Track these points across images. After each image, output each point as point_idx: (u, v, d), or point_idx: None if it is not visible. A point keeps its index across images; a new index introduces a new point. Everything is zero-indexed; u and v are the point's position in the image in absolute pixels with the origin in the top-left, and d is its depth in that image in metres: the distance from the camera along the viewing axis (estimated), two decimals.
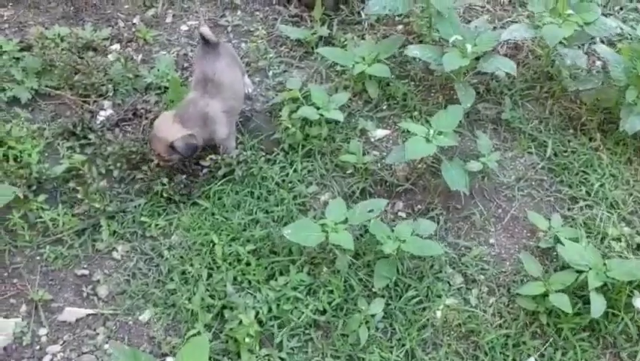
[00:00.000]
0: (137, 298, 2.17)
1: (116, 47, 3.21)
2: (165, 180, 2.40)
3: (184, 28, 3.27)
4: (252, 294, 2.12)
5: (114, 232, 2.35)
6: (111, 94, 2.89)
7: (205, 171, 2.47)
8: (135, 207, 2.41)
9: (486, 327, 2.01)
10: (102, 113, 2.81)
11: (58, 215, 2.33)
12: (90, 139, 2.60)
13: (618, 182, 2.36)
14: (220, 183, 2.45)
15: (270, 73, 2.98)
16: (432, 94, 2.80)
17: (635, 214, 2.26)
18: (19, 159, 2.43)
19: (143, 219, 2.37)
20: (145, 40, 3.21)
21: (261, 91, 2.92)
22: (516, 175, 2.47)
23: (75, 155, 2.51)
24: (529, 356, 1.90)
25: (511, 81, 2.73)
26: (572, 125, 2.57)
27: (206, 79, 2.43)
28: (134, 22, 3.33)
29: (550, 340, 1.96)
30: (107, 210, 2.36)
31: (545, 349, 1.94)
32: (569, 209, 2.31)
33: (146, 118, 2.78)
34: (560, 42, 2.37)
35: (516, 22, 2.89)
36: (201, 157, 2.47)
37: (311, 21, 3.18)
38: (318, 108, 2.56)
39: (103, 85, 2.86)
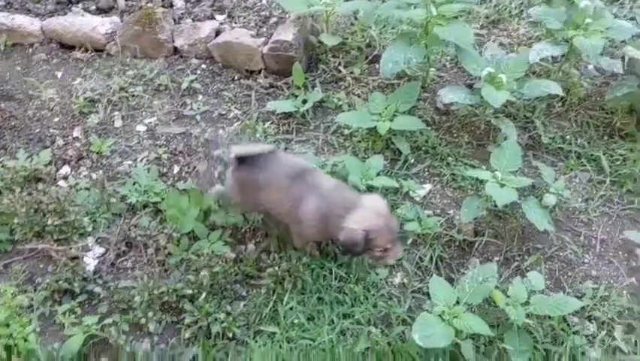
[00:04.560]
0: None
1: (66, 169, 2.75)
2: (222, 315, 2.00)
3: (141, 128, 2.91)
4: None
5: None
6: (90, 229, 2.43)
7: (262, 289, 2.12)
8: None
9: None
10: (89, 255, 2.33)
11: None
12: (94, 293, 2.13)
13: None
14: (284, 297, 2.12)
15: None
16: (455, 136, 2.72)
17: None
18: (15, 350, 1.88)
19: None
20: (99, 153, 2.79)
21: None
22: (582, 197, 2.44)
23: (85, 318, 2.01)
24: None
25: (529, 103, 2.76)
26: (608, 133, 2.64)
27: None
28: (74, 135, 2.90)
29: None
30: None
31: None
32: None
33: (147, 246, 2.37)
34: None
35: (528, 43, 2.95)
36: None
37: (288, 89, 3.00)
38: (360, 179, 2.36)
39: (78, 220, 2.40)
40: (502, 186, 2.20)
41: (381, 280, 2.22)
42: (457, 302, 1.95)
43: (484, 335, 1.92)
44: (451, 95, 2.43)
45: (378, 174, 2.41)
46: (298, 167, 2.11)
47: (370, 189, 2.36)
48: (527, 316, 1.93)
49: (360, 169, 2.40)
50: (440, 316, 1.90)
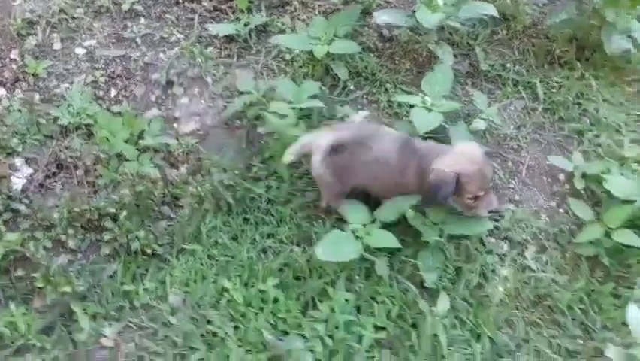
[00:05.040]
0: None
1: (1, 92, 2.70)
2: (142, 233, 2.04)
3: (80, 51, 2.85)
4: (298, 334, 1.86)
5: (94, 315, 1.95)
6: (20, 149, 2.42)
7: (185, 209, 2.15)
8: (110, 276, 2.02)
9: (555, 288, 1.96)
10: (18, 175, 2.34)
11: (13, 316, 1.88)
12: (18, 211, 2.14)
13: (613, 105, 2.44)
14: (208, 218, 2.15)
15: (209, 80, 2.69)
16: (397, 62, 2.70)
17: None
18: None
19: (125, 288, 2.00)
20: (35, 75, 2.74)
21: (206, 102, 2.62)
22: (514, 124, 2.46)
23: (8, 234, 2.04)
24: (611, 304, 1.87)
25: (472, 30, 2.72)
26: (549, 61, 2.62)
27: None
28: (11, 57, 2.83)
29: (620, 280, 1.96)
30: (76, 292, 1.94)
31: (617, 288, 1.93)
32: (579, 143, 2.35)
33: (77, 167, 2.37)
34: None
35: None
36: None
37: (233, 13, 2.93)
38: (289, 103, 2.34)
39: (5, 140, 2.38)
40: (430, 110, 2.20)
41: (308, 202, 2.25)
42: (374, 221, 1.99)
43: (395, 250, 1.97)
44: (385, 17, 2.39)
45: (310, 98, 2.39)
46: (401, 138, 2.04)
47: (300, 115, 2.37)
48: (442, 235, 1.98)
49: (293, 93, 2.38)
50: (352, 232, 1.95)
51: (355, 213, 2.02)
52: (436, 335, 1.84)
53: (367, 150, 2.00)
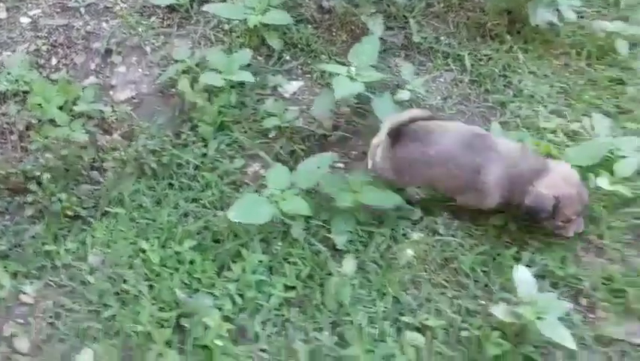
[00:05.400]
0: (70, 338, 1.90)
1: None
2: (63, 196, 2.10)
3: (25, 20, 2.88)
4: (208, 293, 1.94)
5: (15, 273, 2.02)
6: None
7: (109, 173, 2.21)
8: (33, 237, 2.09)
9: (461, 251, 2.04)
10: None
11: None
12: None
13: (538, 77, 2.49)
14: (131, 182, 2.21)
15: (148, 49, 2.73)
16: (334, 34, 2.74)
17: (562, 104, 2.40)
18: None
19: (46, 248, 2.07)
20: None
21: (143, 71, 2.67)
22: (442, 95, 2.51)
23: None
24: (511, 267, 1.93)
25: (410, 3, 2.75)
26: (481, 34, 2.66)
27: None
28: None
29: (524, 245, 2.03)
30: None
31: (519, 253, 2.01)
32: (501, 114, 2.41)
33: (12, 132, 2.43)
34: None
35: None
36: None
37: None
38: (220, 73, 2.39)
39: None
40: (353, 80, 2.25)
41: (236, 169, 2.31)
42: (292, 186, 2.06)
43: (308, 216, 2.04)
44: None
45: (241, 68, 2.44)
46: (472, 132, 1.96)
47: (232, 84, 2.43)
48: (355, 202, 2.05)
49: (224, 63, 2.42)
50: (268, 197, 2.02)
51: (275, 177, 2.08)
52: (341, 294, 1.91)
53: (426, 146, 1.93)
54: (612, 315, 1.89)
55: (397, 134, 1.98)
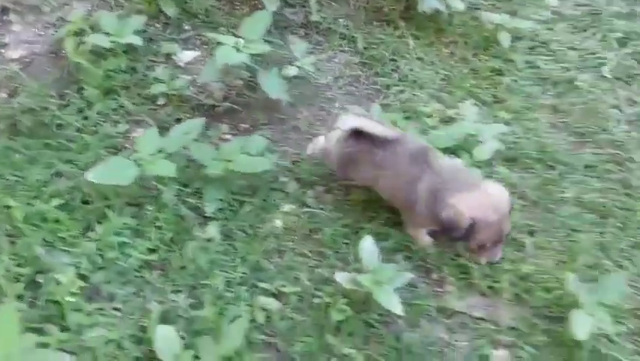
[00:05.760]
0: None
1: None
2: None
3: None
4: (68, 251, 1.96)
5: None
6: None
7: None
8: None
9: (326, 223, 2.12)
10: None
11: None
12: None
13: (424, 64, 2.59)
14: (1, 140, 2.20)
15: (47, 9, 2.69)
16: (236, 7, 2.77)
17: (443, 91, 2.51)
18: None
19: None
20: None
21: (38, 31, 2.63)
22: (333, 75, 2.58)
23: None
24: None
25: None
26: (377, 18, 2.74)
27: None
28: None
29: (385, 220, 2.13)
30: None
31: (380, 227, 2.10)
32: (385, 97, 2.49)
33: None
34: None
35: None
36: None
37: None
38: (109, 36, 2.39)
39: None
40: (239, 51, 2.29)
41: (118, 133, 2.32)
42: (162, 151, 2.09)
43: (182, 184, 2.08)
44: None
45: (136, 34, 2.44)
46: (419, 145, 1.91)
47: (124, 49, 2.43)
48: (226, 171, 2.10)
49: (115, 27, 2.42)
50: (135, 160, 2.04)
51: (145, 141, 2.10)
52: (199, 258, 1.96)
53: (379, 149, 1.90)
54: (456, 289, 2.00)
55: (356, 132, 1.96)
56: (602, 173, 2.30)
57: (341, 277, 1.84)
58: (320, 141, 2.20)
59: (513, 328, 1.93)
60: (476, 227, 1.70)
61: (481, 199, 1.72)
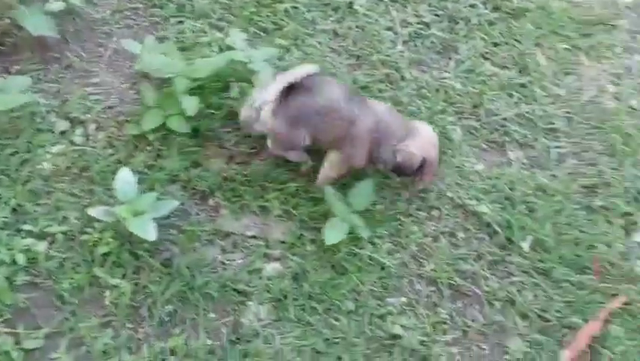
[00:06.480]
0: None
1: None
2: None
3: None
4: None
5: None
6: None
7: None
8: None
9: (96, 160, 2.10)
10: None
11: None
12: None
13: None
14: None
15: None
16: None
17: (223, 20, 2.50)
18: None
19: None
20: None
21: None
22: (111, 9, 2.49)
23: None
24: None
25: None
26: None
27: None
28: None
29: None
30: None
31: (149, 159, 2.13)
32: (163, 30, 2.45)
33: None
34: None
35: None
36: None
37: None
38: None
39: None
40: None
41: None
42: None
43: None
44: None
45: None
46: (348, 88, 2.05)
47: None
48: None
49: None
50: None
51: None
52: None
53: (317, 96, 1.97)
54: (230, 212, 2.09)
55: (289, 89, 1.98)
56: (375, 92, 2.45)
57: (95, 212, 1.86)
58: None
59: (283, 242, 2.07)
60: (426, 164, 2.05)
61: (423, 141, 2.06)
